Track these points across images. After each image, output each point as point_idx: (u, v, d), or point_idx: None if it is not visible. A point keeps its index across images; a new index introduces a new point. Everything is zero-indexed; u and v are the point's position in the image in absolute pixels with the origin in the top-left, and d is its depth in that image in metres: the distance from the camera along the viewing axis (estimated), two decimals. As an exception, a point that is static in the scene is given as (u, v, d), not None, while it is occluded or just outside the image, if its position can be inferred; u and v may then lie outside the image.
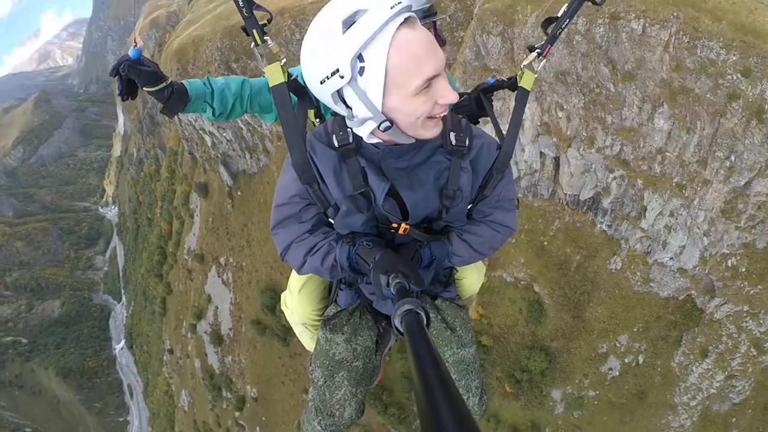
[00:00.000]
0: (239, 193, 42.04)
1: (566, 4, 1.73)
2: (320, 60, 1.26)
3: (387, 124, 1.34)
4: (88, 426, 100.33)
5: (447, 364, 2.14)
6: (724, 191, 18.03)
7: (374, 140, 1.49)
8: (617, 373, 24.06)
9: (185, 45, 35.93)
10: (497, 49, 18.08)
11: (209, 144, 41.52)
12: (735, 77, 15.18)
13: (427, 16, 2.56)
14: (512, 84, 1.90)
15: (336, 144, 1.50)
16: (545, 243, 23.75)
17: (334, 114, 1.56)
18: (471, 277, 2.38)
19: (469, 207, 1.74)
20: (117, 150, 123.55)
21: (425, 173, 1.55)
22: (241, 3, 1.54)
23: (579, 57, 16.79)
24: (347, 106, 1.35)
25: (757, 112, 15.53)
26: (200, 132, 42.23)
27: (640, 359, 23.35)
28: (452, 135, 1.55)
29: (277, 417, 39.56)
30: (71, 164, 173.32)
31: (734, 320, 20.24)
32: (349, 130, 1.49)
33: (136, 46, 1.73)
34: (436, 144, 1.53)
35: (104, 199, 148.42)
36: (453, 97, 1.31)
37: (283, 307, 2.54)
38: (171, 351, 58.63)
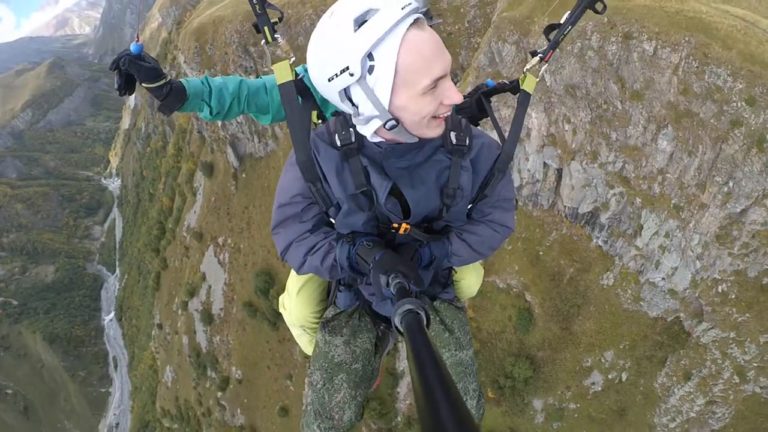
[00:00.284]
0: (244, 175, 42.64)
1: (568, 12, 1.81)
2: (330, 57, 1.29)
3: (393, 122, 1.38)
4: (70, 393, 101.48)
5: None
6: (720, 216, 18.33)
7: (377, 139, 1.52)
8: (600, 388, 24.40)
9: (205, 24, 36.51)
10: (511, 57, 18.61)
11: (219, 124, 42.10)
12: (739, 105, 15.61)
13: None
14: (514, 87, 1.99)
15: (338, 143, 1.54)
16: (541, 253, 24.21)
17: (336, 114, 1.64)
18: (469, 279, 2.41)
19: (469, 207, 1.78)
20: (125, 123, 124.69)
21: (426, 172, 1.60)
22: (254, 0, 1.60)
23: (590, 72, 17.26)
24: (353, 105, 1.38)
25: (758, 141, 15.95)
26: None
27: (624, 377, 23.66)
28: (453, 134, 1.60)
29: (258, 401, 40.18)
30: (79, 132, 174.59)
31: (720, 346, 20.49)
32: (351, 129, 1.53)
33: (137, 41, 1.76)
34: (437, 143, 1.57)
35: (108, 171, 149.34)
36: (458, 98, 1.36)
37: (281, 310, 2.55)
38: (160, 326, 59.40)
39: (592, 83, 17.57)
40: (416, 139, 1.48)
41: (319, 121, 1.94)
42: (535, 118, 19.81)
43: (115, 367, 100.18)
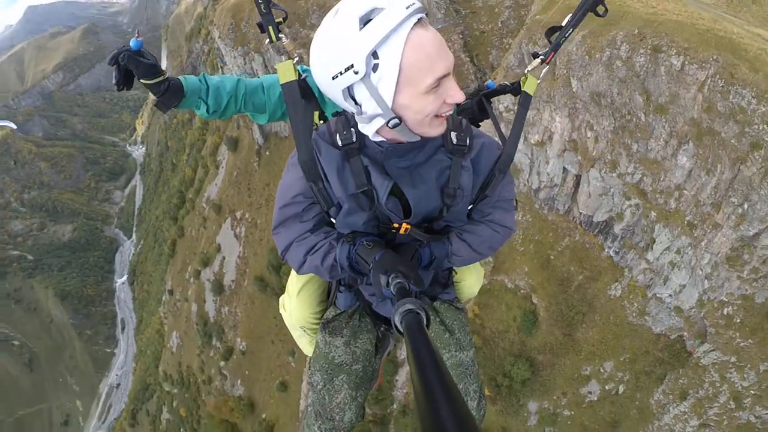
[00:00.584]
0: (267, 153, 44.06)
1: (570, 14, 1.89)
2: (334, 55, 1.32)
3: (396, 121, 1.41)
4: (75, 350, 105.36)
5: None
6: (732, 238, 18.71)
7: (378, 139, 1.55)
8: (595, 398, 24.97)
9: (242, 2, 37.68)
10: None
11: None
12: (761, 128, 16.07)
13: None
14: (515, 89, 2.03)
15: (339, 143, 1.57)
16: (552, 257, 24.92)
17: (337, 114, 1.67)
18: (470, 280, 2.44)
19: (469, 207, 1.82)
20: None
21: (427, 171, 1.63)
22: (259, 0, 1.66)
23: (616, 82, 17.88)
24: (356, 103, 1.41)
25: (776, 165, 16.46)
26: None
27: (621, 389, 24.16)
28: (453, 134, 1.63)
29: (259, 374, 41.82)
30: (107, 98, 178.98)
31: (719, 369, 20.72)
32: (352, 129, 1.56)
33: (138, 37, 1.82)
34: (437, 143, 1.61)
35: (133, 138, 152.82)
36: (460, 97, 1.39)
37: (281, 311, 2.60)
38: (171, 292, 61.67)
39: (617, 93, 18.18)
40: (418, 138, 1.53)
41: (321, 121, 1.98)
42: (558, 123, 20.48)
43: (123, 329, 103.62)
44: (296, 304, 2.40)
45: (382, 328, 2.27)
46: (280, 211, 1.75)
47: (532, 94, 1.92)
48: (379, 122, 1.44)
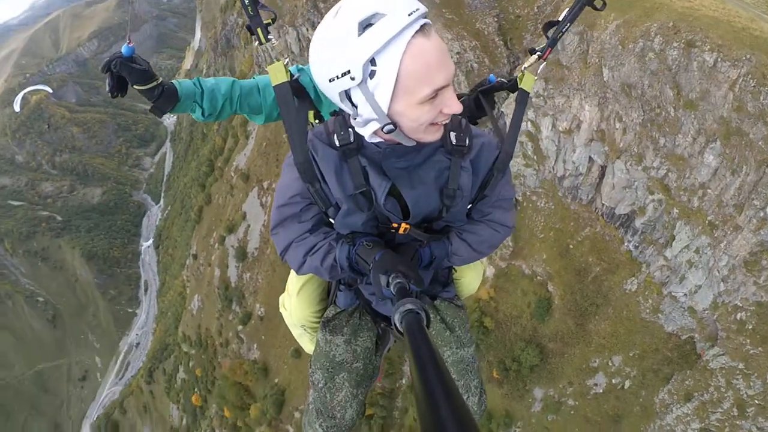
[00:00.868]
0: (299, 126, 45.65)
1: (567, 9, 1.88)
2: (332, 59, 1.33)
3: (390, 127, 1.43)
4: (98, 309, 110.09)
5: (446, 364, 1.90)
6: (752, 241, 19.01)
7: (376, 140, 1.58)
8: (601, 391, 25.65)
9: (277, -26, 38.93)
10: (573, 47, 20.03)
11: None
12: (790, 132, 16.65)
13: None
14: (512, 86, 2.03)
15: (337, 143, 1.60)
16: (571, 246, 25.70)
17: (334, 114, 1.70)
18: (469, 277, 2.49)
19: (468, 207, 1.85)
20: (188, 63, 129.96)
21: (425, 172, 1.65)
22: (246, 2, 1.70)
23: (648, 74, 18.46)
24: (353, 105, 1.43)
25: (802, 172, 16.91)
26: (275, 61, 45.83)
27: (627, 384, 24.78)
28: (452, 135, 1.66)
29: (275, 340, 43.96)
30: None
31: (726, 374, 20.99)
32: (350, 129, 1.59)
33: (129, 43, 1.85)
34: (437, 144, 1.63)
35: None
36: (458, 108, 1.42)
37: (281, 310, 2.64)
38: (195, 256, 64.44)
39: (648, 85, 18.78)
40: (414, 143, 1.55)
41: (316, 121, 2.00)
42: (587, 111, 21.16)
43: (145, 291, 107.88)
44: (296, 303, 2.45)
45: (382, 325, 2.30)
46: (277, 211, 1.79)
47: (529, 90, 1.96)
48: (375, 126, 1.47)
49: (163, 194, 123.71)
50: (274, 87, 1.67)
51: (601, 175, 23.17)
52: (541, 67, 2.02)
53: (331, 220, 1.75)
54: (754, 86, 16.95)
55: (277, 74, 1.67)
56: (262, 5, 1.75)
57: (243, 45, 68.65)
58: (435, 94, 1.37)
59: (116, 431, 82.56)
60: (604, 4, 1.86)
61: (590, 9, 1.90)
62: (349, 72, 1.31)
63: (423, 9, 1.30)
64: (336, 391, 2.20)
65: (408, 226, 1.72)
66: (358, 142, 1.60)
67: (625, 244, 24.09)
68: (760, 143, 17.73)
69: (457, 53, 25.80)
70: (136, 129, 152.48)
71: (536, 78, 1.98)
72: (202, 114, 2.22)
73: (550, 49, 1.97)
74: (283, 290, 2.58)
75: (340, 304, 2.28)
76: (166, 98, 2.03)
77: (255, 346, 46.83)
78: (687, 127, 19.16)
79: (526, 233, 27.01)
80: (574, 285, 25.87)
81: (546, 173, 25.43)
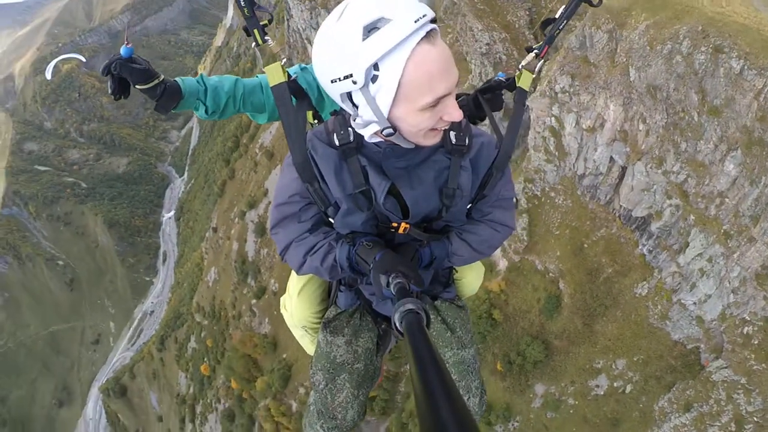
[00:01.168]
0: (324, 107, 47.03)
1: (564, 6, 1.96)
2: (335, 61, 1.36)
3: (390, 130, 1.47)
4: (116, 275, 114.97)
5: (447, 365, 2.20)
6: (765, 255, 19.17)
7: (376, 139, 1.62)
8: (602, 393, 26.03)
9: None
10: (601, 45, 20.56)
11: (310, 55, 46.56)
12: (811, 146, 16.93)
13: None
14: (510, 84, 2.11)
15: (337, 143, 1.63)
16: (585, 245, 26.22)
17: (334, 113, 1.73)
18: (470, 277, 2.54)
19: (468, 206, 1.90)
20: (219, 40, 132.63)
21: (425, 172, 1.70)
22: (242, 3, 1.72)
23: (674, 76, 18.91)
24: (354, 105, 1.46)
25: (820, 186, 17.19)
26: (305, 42, 47.07)
27: (628, 388, 25.10)
28: (452, 134, 1.70)
29: (286, 315, 45.86)
30: (172, 41, 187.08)
31: (728, 388, 21.03)
32: (350, 129, 1.62)
33: (127, 44, 1.91)
34: (436, 144, 1.63)
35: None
36: (458, 116, 1.45)
37: (282, 311, 2.69)
38: (215, 229, 66.84)
39: (674, 88, 19.23)
40: (413, 146, 1.60)
41: (315, 121, 2.04)
42: (612, 110, 21.71)
43: (164, 261, 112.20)
44: (297, 304, 2.49)
45: (383, 326, 2.35)
46: (276, 210, 1.84)
47: (527, 89, 1.99)
48: (374, 128, 1.50)
49: (187, 167, 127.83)
50: (271, 87, 1.70)
51: (621, 176, 23.61)
52: (539, 64, 2.07)
53: (330, 219, 1.80)
54: (779, 97, 17.35)
55: (274, 75, 1.70)
56: (258, 6, 1.79)
57: (274, 25, 69.95)
58: (436, 102, 1.40)
59: (124, 395, 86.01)
60: (600, 0, 1.96)
61: (589, 7, 2.07)
62: (351, 75, 1.34)
63: (430, 14, 1.31)
64: (337, 392, 2.24)
65: (408, 226, 1.76)
66: (357, 141, 1.64)
67: (640, 247, 24.50)
68: (781, 155, 18.10)
69: (487, 44, 26.56)
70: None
71: (534, 75, 2.03)
72: (206, 111, 2.27)
73: (547, 47, 2.06)
74: (294, 270, 3.13)
75: (341, 304, 2.32)
76: (169, 96, 2.09)
77: (267, 320, 48.79)
78: (709, 134, 19.44)
79: (542, 229, 27.68)
80: (585, 284, 26.34)
81: (566, 170, 25.99)
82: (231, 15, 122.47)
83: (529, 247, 28.14)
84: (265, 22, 1.81)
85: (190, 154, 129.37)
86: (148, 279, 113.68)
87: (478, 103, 2.22)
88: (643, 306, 24.80)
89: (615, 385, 25.72)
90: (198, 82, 2.21)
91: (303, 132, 1.68)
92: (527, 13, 26.61)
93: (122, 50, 1.91)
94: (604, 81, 21.30)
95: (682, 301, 23.22)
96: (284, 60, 1.79)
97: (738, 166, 19.26)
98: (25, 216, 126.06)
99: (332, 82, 1.40)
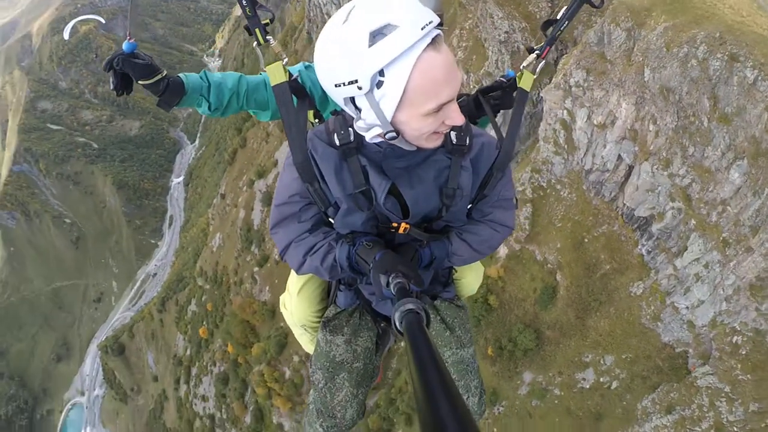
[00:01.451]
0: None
1: (565, 7, 1.97)
2: (340, 66, 1.37)
3: (393, 134, 1.49)
4: (122, 236, 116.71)
5: (446, 364, 2.03)
6: (761, 266, 19.40)
7: (377, 140, 1.64)
8: (587, 386, 26.64)
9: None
10: (619, 42, 20.74)
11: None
12: (817, 161, 17.16)
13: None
14: (511, 85, 2.14)
15: (337, 143, 1.65)
16: (586, 240, 26.63)
17: (335, 113, 1.74)
18: (469, 277, 2.59)
19: (469, 206, 1.93)
20: (239, 10, 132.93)
21: (425, 172, 1.72)
22: (244, 2, 1.77)
23: (688, 80, 19.16)
24: (357, 109, 1.48)
25: (821, 202, 17.43)
26: (326, 17, 47.21)
27: (614, 385, 25.63)
28: (453, 134, 1.72)
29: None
30: (192, 8, 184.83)
31: (711, 395, 21.44)
32: (350, 129, 1.64)
33: (130, 39, 1.92)
34: None
35: (211, 50, 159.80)
36: (460, 121, 1.49)
37: (282, 309, 2.74)
38: (223, 196, 67.76)
39: (686, 92, 19.50)
40: (414, 148, 1.64)
41: (316, 120, 2.10)
42: (624, 109, 22.00)
43: (170, 225, 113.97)
44: (297, 303, 2.51)
45: (382, 325, 2.37)
46: (276, 209, 1.87)
47: (528, 90, 2.01)
48: (377, 131, 1.52)
49: (199, 134, 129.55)
50: (272, 87, 1.73)
51: (627, 175, 23.90)
52: (540, 65, 2.08)
53: (330, 220, 1.83)
54: (789, 110, 17.63)
55: (275, 74, 1.73)
56: (260, 5, 1.80)
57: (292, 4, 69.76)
58: (440, 108, 1.42)
59: (122, 353, 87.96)
60: (602, 1, 1.98)
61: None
62: (356, 81, 1.35)
63: (436, 20, 1.32)
64: (336, 391, 2.28)
65: (408, 226, 1.78)
66: (358, 141, 1.65)
67: (639, 247, 24.87)
68: (786, 169, 18.39)
69: (506, 32, 26.76)
70: (180, 68, 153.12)
71: (535, 76, 2.04)
72: (209, 108, 2.28)
73: (548, 47, 2.07)
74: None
75: (341, 304, 2.35)
76: (172, 92, 2.11)
77: (267, 288, 49.85)
78: (718, 141, 19.66)
79: (545, 220, 28.18)
80: (581, 278, 26.79)
81: (574, 164, 26.33)
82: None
83: (531, 236, 28.63)
84: (267, 21, 1.86)
85: (202, 120, 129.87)
86: (153, 242, 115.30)
87: (479, 103, 2.23)
88: (636, 305, 25.26)
89: (601, 380, 26.29)
90: (201, 78, 2.23)
91: (304, 131, 1.71)
92: (549, 4, 26.66)
93: (125, 45, 1.96)
94: (619, 79, 21.55)
95: (675, 304, 23.57)
96: (285, 60, 1.81)
97: (743, 176, 19.50)
98: (35, 173, 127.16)
99: (336, 86, 1.42)
